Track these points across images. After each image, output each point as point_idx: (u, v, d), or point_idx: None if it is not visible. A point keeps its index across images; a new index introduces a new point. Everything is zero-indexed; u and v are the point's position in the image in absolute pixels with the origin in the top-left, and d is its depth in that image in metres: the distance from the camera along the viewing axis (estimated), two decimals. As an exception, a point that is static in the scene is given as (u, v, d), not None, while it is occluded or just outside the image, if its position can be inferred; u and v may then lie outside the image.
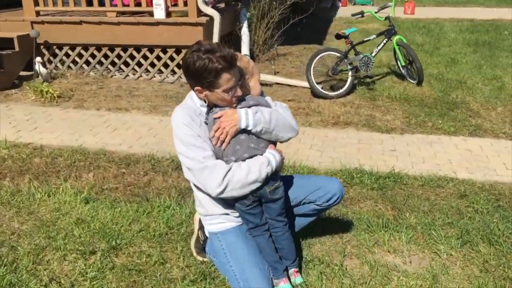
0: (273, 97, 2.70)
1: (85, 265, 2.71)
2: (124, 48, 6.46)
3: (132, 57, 6.51)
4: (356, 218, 3.22)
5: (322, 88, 5.96)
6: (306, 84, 6.07)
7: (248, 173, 2.28)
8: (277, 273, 2.50)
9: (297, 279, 2.56)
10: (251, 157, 2.35)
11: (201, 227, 2.73)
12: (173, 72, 6.53)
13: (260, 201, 2.44)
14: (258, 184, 2.32)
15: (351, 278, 2.63)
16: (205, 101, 2.40)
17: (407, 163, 4.19)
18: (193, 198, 3.44)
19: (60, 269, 2.69)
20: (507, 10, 13.47)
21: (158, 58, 6.44)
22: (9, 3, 7.55)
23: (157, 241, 2.94)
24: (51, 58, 6.74)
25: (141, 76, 6.58)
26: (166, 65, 6.48)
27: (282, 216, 2.48)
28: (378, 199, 3.51)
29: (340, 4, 15.17)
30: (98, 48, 6.53)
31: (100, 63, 6.67)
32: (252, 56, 7.34)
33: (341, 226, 3.12)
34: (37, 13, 6.50)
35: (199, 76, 2.24)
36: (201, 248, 2.74)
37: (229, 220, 2.52)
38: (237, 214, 2.49)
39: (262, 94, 2.56)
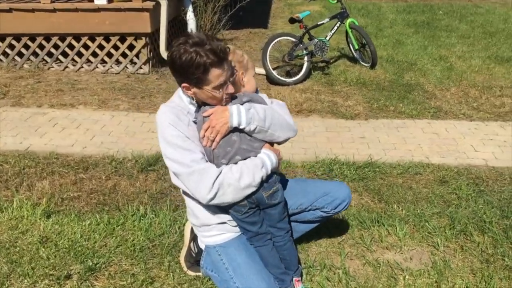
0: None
1: (61, 292, 2.38)
2: (62, 37, 5.90)
3: (71, 46, 5.96)
4: (346, 214, 3.08)
5: (278, 75, 5.77)
6: (261, 70, 5.85)
7: (241, 177, 2.05)
8: (285, 285, 2.30)
9: (300, 288, 2.38)
10: (244, 159, 2.12)
11: (194, 238, 2.47)
12: (118, 62, 6.06)
13: (258, 207, 2.22)
14: (252, 189, 2.09)
15: (357, 282, 2.49)
16: (193, 99, 2.13)
17: (379, 150, 4.11)
18: (175, 205, 3.18)
19: (31, 300, 2.34)
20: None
21: (101, 47, 5.95)
22: None
23: (139, 257, 2.64)
24: (-24, 50, 6.04)
25: (82, 67, 6.05)
26: (109, 55, 6.00)
27: (283, 222, 2.26)
28: (362, 192, 3.39)
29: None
30: (32, 38, 5.92)
31: (35, 54, 6.06)
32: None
33: (333, 224, 2.96)
34: (-43, 0, 5.78)
35: (186, 71, 1.98)
36: (193, 261, 2.48)
37: (227, 231, 2.27)
38: (235, 222, 2.26)
39: (257, 91, 2.32)
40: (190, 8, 6.89)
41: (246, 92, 2.24)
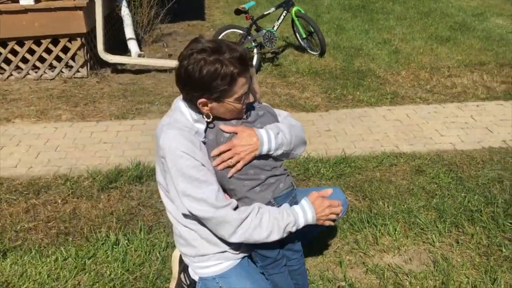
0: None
1: None
2: (-16, 43, 5.30)
3: (-4, 53, 5.37)
4: (334, 217, 2.91)
5: (228, 69, 5.50)
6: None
7: (269, 235, 1.83)
8: (297, 311, 2.10)
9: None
10: (262, 190, 1.88)
11: (184, 269, 2.20)
12: (52, 67, 5.53)
13: None
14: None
15: (363, 293, 2.34)
16: (203, 116, 1.85)
17: (348, 142, 3.99)
18: (148, 225, 2.83)
19: None
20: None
21: (31, 51, 5.39)
22: None
23: (121, 294, 2.33)
24: None
25: (11, 75, 5.46)
26: (42, 59, 5.46)
27: (298, 244, 2.05)
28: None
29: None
30: None
31: (-47, 63, 5.41)
32: (138, 38, 6.56)
33: (323, 229, 2.78)
34: None
35: (209, 85, 1.71)
36: (185, 294, 2.21)
37: (227, 259, 2.02)
38: (237, 249, 2.01)
39: (255, 96, 2.08)
40: (124, 3, 6.44)
41: (259, 103, 2.00)
